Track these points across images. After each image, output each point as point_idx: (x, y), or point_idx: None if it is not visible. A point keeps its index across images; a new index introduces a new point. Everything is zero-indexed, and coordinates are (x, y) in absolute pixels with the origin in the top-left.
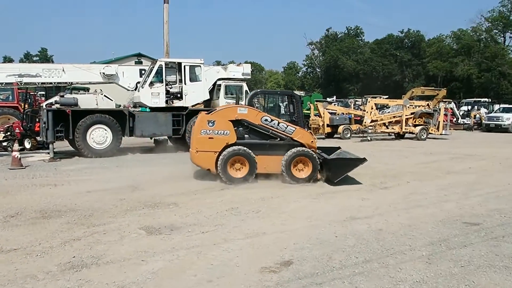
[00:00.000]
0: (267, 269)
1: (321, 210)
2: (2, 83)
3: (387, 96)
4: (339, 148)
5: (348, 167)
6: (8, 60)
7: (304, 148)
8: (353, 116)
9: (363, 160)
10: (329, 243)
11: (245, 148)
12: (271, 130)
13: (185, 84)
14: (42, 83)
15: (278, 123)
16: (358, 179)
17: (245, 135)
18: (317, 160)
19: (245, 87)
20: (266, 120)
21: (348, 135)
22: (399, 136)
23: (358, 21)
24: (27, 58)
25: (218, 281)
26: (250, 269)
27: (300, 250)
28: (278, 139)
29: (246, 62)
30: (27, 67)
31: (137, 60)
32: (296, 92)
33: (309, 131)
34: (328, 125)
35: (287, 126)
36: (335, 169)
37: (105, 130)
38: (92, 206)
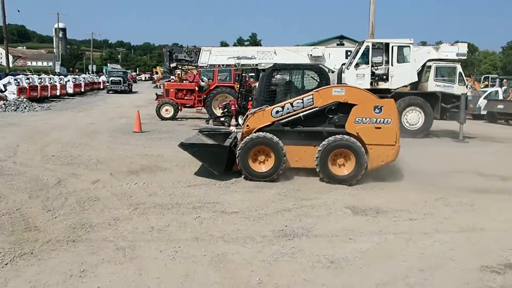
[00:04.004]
0: (489, 269)
1: None
2: (223, 64)
3: None
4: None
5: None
6: (224, 44)
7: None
8: None
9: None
10: None
11: None
12: None
13: (391, 65)
14: (255, 65)
15: None
16: None
17: None
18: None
19: (459, 69)
20: None
21: None
22: None
23: None
24: (239, 42)
25: (431, 272)
26: (468, 265)
27: None
28: None
29: (456, 42)
30: (244, 50)
31: (339, 42)
32: None
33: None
34: None
35: None
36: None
37: None
38: (299, 181)
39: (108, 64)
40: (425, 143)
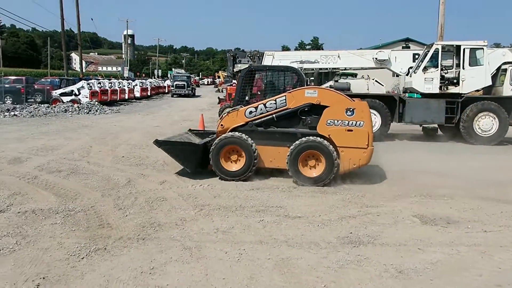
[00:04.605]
0: None
1: None
2: None
3: None
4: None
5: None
6: (285, 49)
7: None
8: None
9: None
10: None
11: None
12: None
13: (463, 68)
14: (319, 69)
15: None
16: None
17: None
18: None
19: None
20: None
21: None
22: None
23: None
24: (301, 46)
25: None
26: None
27: None
28: None
29: None
30: (307, 54)
31: (404, 45)
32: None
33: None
34: None
35: None
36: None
37: (374, 115)
38: (364, 187)
39: (173, 69)
40: (500, 150)
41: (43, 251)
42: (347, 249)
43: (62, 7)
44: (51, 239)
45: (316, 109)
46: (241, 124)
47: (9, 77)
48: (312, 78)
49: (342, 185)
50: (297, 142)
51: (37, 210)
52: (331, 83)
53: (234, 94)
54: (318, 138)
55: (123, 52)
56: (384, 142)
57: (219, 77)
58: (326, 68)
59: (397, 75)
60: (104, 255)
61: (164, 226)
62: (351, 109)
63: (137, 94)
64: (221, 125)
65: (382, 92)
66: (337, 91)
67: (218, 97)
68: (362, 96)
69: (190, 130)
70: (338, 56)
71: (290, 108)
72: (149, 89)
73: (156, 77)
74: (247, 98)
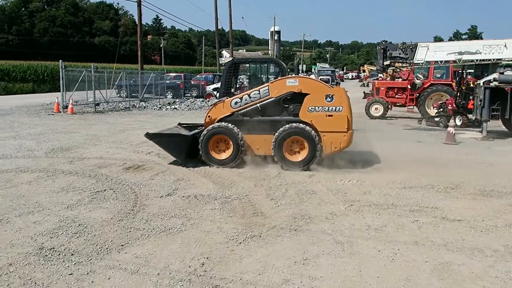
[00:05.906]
0: None
1: None
2: (442, 61)
3: None
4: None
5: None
6: (438, 39)
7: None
8: None
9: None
10: None
11: None
12: None
13: None
14: (480, 60)
15: None
16: None
17: None
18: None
19: None
20: None
21: None
22: None
23: None
24: (456, 36)
25: None
26: None
27: None
28: None
29: None
30: (467, 44)
31: None
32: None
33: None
34: None
35: None
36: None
37: None
38: None
39: (317, 64)
40: None
41: (205, 233)
42: None
43: (216, 9)
44: (212, 223)
45: (298, 97)
46: (227, 114)
47: (170, 74)
48: (471, 71)
49: (507, 189)
50: (280, 129)
51: (199, 195)
52: (494, 75)
53: (381, 88)
54: (301, 125)
55: (269, 48)
56: None
57: (364, 71)
58: (489, 60)
59: None
60: (259, 242)
61: (314, 219)
62: (330, 96)
63: None
64: (209, 116)
65: None
66: (317, 80)
67: (364, 92)
68: None
69: (179, 124)
70: (505, 46)
71: (273, 98)
72: None
73: (300, 72)
74: (232, 90)
